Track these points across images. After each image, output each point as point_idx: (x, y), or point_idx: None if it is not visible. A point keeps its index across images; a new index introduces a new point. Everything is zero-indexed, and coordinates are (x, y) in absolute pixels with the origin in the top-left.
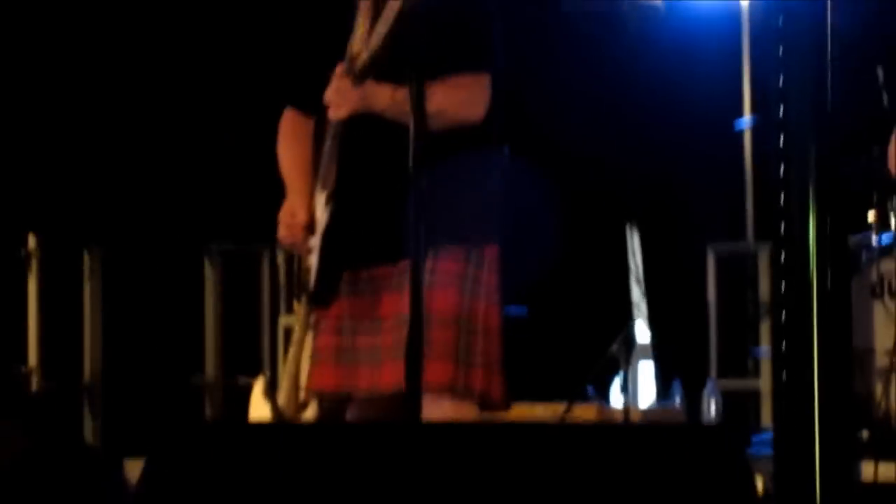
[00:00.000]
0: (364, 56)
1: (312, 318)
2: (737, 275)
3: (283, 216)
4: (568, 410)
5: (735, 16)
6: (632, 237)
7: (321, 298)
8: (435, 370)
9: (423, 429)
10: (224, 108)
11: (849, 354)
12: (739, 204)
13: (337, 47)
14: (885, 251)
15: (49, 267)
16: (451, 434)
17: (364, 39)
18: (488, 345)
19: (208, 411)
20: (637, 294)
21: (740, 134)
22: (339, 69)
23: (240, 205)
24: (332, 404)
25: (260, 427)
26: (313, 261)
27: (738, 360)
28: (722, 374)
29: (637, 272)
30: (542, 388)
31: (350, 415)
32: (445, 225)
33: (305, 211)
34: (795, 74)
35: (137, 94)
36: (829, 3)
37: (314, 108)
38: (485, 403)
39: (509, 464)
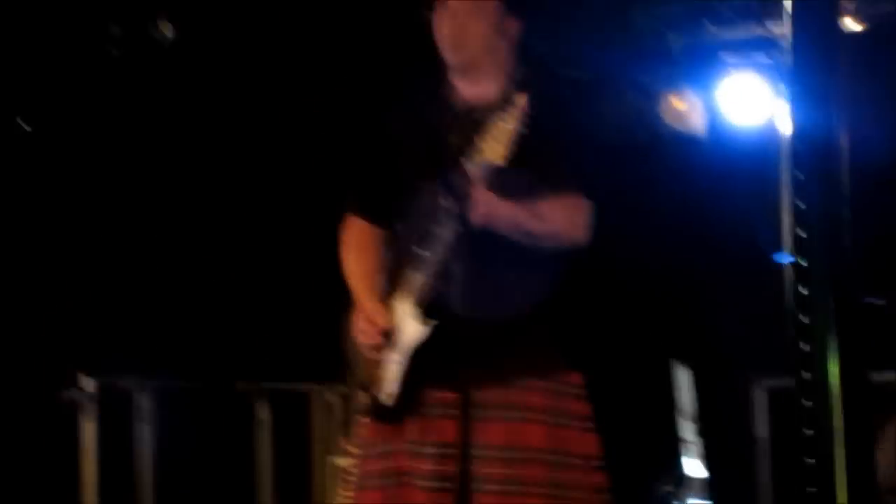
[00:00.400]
0: (479, 170)
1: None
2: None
3: (361, 321)
4: None
5: (776, 143)
6: (680, 375)
7: (398, 415)
8: None
9: None
10: (276, 248)
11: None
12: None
13: (411, 157)
14: None
15: (103, 409)
16: None
17: (465, 147)
18: (585, 476)
19: None
20: (689, 432)
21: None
22: (468, 181)
23: (289, 345)
24: None
25: None
26: (388, 371)
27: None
28: None
29: (688, 410)
30: None
31: None
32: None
33: (385, 319)
34: (813, 222)
35: (192, 238)
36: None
37: (385, 219)
38: None
39: None
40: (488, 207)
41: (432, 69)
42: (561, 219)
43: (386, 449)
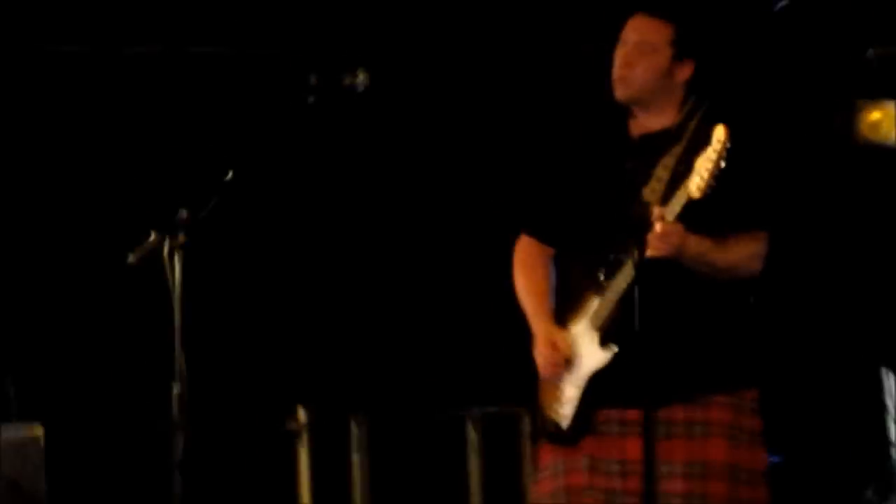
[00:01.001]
0: (681, 199)
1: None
2: None
3: (544, 350)
4: None
5: None
6: (888, 379)
7: (575, 437)
8: None
9: None
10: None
11: None
12: None
13: (587, 180)
14: None
15: (318, 438)
16: None
17: (662, 178)
18: (756, 492)
19: None
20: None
21: None
22: (658, 212)
23: (497, 367)
24: None
25: None
26: (565, 394)
27: None
28: None
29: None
30: None
31: None
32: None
33: (566, 345)
34: None
35: (396, 267)
36: None
37: (555, 239)
38: None
39: None
40: (680, 239)
41: (613, 100)
42: (743, 251)
43: (559, 469)
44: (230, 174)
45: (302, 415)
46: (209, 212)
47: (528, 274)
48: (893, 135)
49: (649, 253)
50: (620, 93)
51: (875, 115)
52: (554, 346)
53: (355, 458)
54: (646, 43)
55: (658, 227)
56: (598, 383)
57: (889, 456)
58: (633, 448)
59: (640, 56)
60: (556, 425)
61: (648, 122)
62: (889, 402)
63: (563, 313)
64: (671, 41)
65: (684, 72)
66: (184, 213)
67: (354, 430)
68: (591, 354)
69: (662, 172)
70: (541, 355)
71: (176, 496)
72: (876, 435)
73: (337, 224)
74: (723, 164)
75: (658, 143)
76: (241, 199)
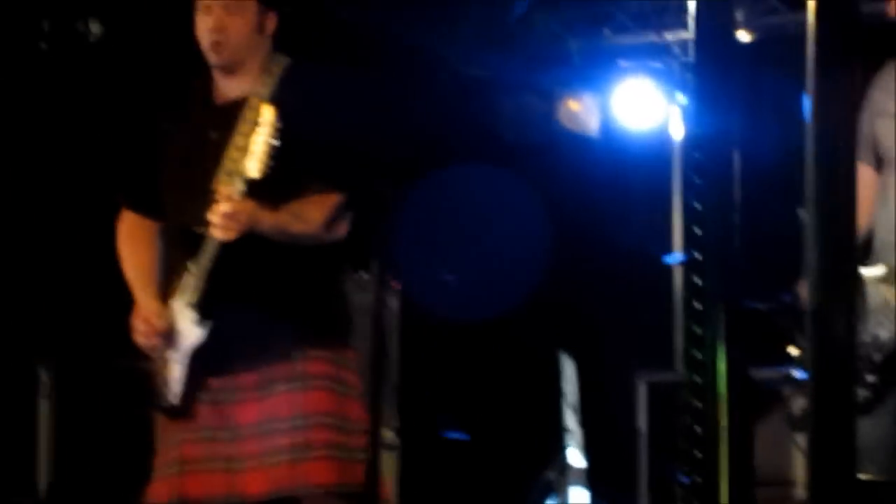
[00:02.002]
0: (243, 178)
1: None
2: (669, 403)
3: (139, 323)
4: None
5: (667, 147)
6: (566, 365)
7: (186, 410)
8: (319, 470)
9: None
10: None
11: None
12: (669, 335)
13: (178, 152)
14: (804, 385)
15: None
16: None
17: (242, 147)
18: (360, 440)
19: None
20: (572, 421)
21: (671, 266)
22: (224, 191)
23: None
24: None
25: None
26: (171, 371)
27: (668, 487)
28: (652, 500)
29: (572, 400)
30: None
31: None
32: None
33: (163, 319)
34: (707, 216)
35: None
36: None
37: (152, 212)
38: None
39: None
40: (249, 218)
41: (198, 66)
42: (318, 216)
43: (172, 441)
44: None
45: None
46: None
47: (131, 249)
48: (591, 126)
49: (219, 234)
50: (217, 59)
51: (575, 107)
52: (146, 320)
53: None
54: (233, 2)
55: (224, 207)
56: (201, 357)
57: (564, 441)
58: (240, 412)
59: (230, 17)
60: (168, 401)
61: (229, 88)
62: (566, 389)
63: (166, 287)
64: None
65: (272, 22)
66: None
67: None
68: (188, 331)
69: (242, 141)
70: (134, 329)
71: None
72: (554, 419)
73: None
74: (275, 143)
75: (238, 110)
76: None
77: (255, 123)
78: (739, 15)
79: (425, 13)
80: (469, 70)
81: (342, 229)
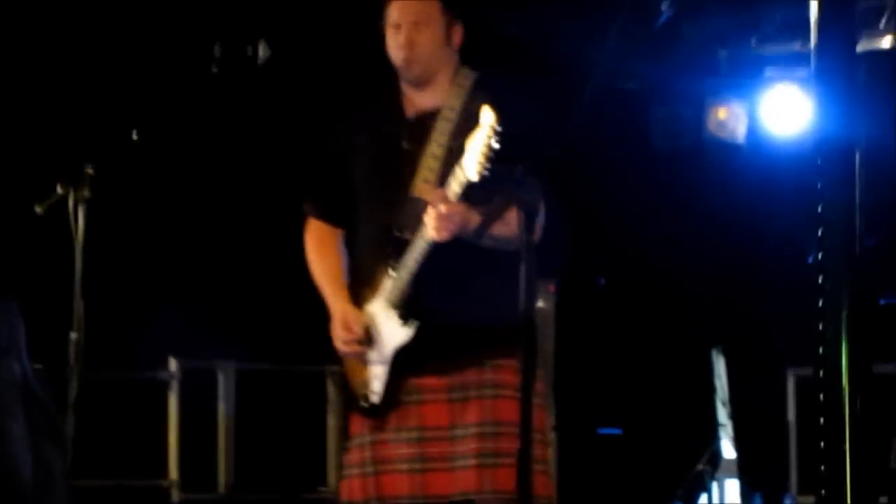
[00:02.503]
0: (460, 180)
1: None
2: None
3: (340, 330)
4: None
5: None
6: (717, 361)
7: (386, 411)
8: (505, 477)
9: None
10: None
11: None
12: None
13: (368, 162)
14: None
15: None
16: None
17: (438, 156)
18: (542, 450)
19: None
20: (723, 415)
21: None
22: (439, 194)
23: None
24: None
25: None
26: (373, 371)
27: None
28: (802, 490)
29: (723, 394)
30: (634, 502)
31: None
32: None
33: (361, 324)
34: (830, 216)
35: None
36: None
37: (341, 220)
38: None
39: None
40: (463, 219)
41: (386, 78)
42: (517, 220)
43: (366, 440)
44: (135, 134)
45: (173, 364)
46: (114, 168)
47: (320, 256)
48: (739, 133)
49: (434, 235)
50: (410, 73)
51: (723, 115)
52: (347, 326)
53: (221, 407)
54: (422, 18)
55: (441, 208)
56: (404, 357)
57: (717, 434)
58: (432, 414)
59: (419, 33)
60: (368, 400)
61: (422, 100)
62: (717, 384)
63: (357, 293)
64: (441, 7)
65: (458, 34)
66: (89, 169)
67: (221, 380)
68: (393, 332)
69: (437, 150)
70: (336, 336)
71: (69, 438)
72: (707, 414)
73: (226, 187)
74: (495, 145)
75: (431, 121)
76: (145, 159)
77: (463, 124)
78: (882, 22)
79: (575, 24)
80: (620, 80)
81: (536, 234)
